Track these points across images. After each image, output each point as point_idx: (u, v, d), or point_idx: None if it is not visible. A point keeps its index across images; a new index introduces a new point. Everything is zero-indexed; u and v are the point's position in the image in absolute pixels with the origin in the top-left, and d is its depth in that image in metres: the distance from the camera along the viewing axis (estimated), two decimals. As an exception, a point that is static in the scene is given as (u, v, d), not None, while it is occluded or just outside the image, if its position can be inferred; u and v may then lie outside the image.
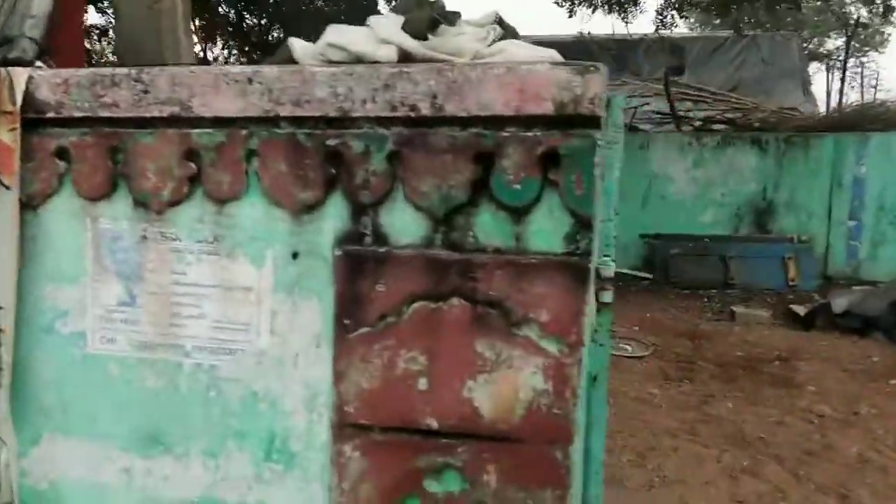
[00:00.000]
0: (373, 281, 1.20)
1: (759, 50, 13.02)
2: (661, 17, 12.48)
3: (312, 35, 1.34)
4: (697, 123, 11.03)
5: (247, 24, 12.92)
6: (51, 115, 1.30)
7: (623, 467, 4.11)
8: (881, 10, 11.95)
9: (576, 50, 12.73)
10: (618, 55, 12.87)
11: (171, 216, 1.26)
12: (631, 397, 5.11)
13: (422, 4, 1.24)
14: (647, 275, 9.51)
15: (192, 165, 1.23)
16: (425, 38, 1.22)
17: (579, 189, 1.11)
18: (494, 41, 1.24)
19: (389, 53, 1.19)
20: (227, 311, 1.27)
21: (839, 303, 6.90)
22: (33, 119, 1.29)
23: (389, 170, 1.17)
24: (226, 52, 13.78)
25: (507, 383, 1.17)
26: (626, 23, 13.73)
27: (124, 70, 1.23)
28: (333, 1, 11.99)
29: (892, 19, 12.74)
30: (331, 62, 1.20)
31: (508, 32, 1.31)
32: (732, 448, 4.40)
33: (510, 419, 1.18)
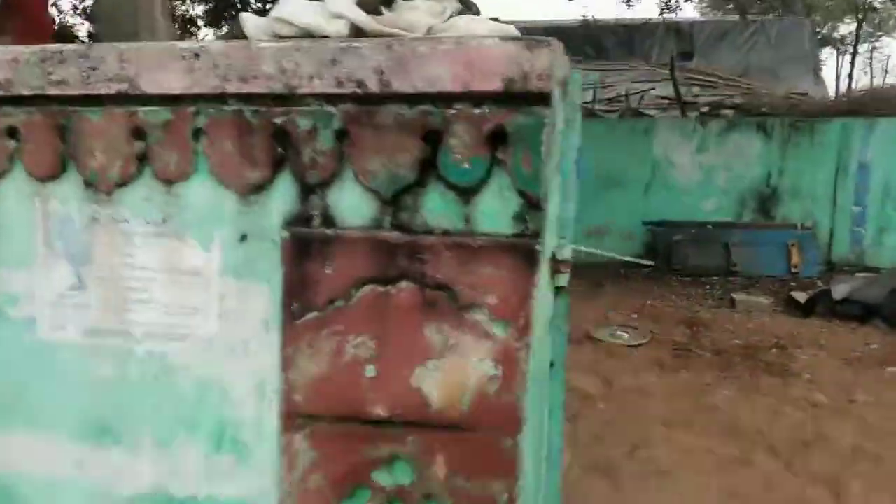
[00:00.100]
0: (321, 264, 1.17)
1: (769, 34, 12.88)
2: (665, 1, 12.35)
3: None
4: (704, 109, 10.93)
5: (252, 9, 12.84)
6: (1, 93, 1.27)
7: (615, 458, 4.08)
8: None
9: (582, 34, 12.64)
10: (626, 40, 12.76)
11: (120, 197, 1.23)
12: (626, 386, 5.08)
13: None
14: (649, 262, 9.46)
15: (141, 144, 1.20)
16: (379, 13, 1.18)
17: (527, 168, 1.07)
18: (451, 16, 1.20)
19: (340, 28, 1.15)
20: (176, 296, 1.24)
21: (839, 289, 6.85)
22: (-16, 98, 1.26)
23: (337, 149, 1.13)
24: (232, 37, 13.65)
25: (456, 370, 1.14)
26: (630, 5, 13.60)
27: (72, 46, 1.20)
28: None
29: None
30: (280, 37, 1.16)
31: (469, 8, 1.27)
32: (727, 438, 4.37)
33: (459, 407, 1.15)
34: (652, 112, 10.92)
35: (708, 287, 8.52)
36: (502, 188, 1.09)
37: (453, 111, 1.08)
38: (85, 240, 1.26)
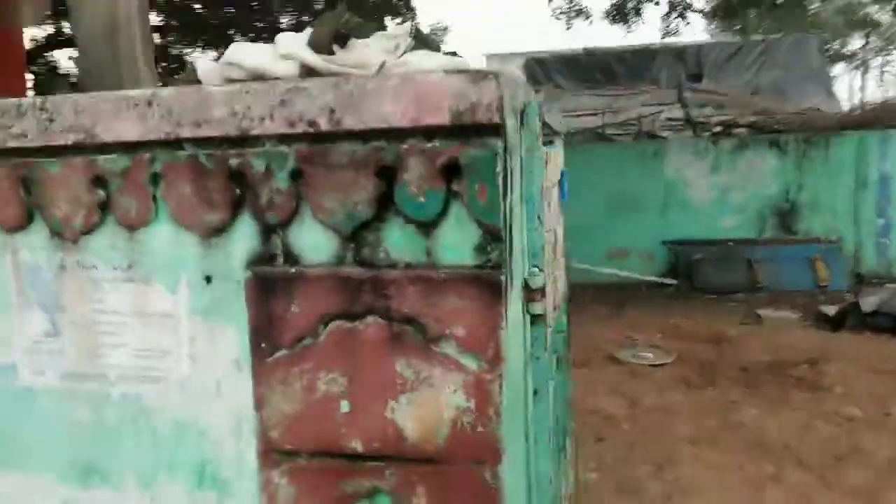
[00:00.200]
0: (286, 302, 1.16)
1: (778, 53, 12.81)
2: (666, 25, 12.40)
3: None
4: (717, 129, 10.88)
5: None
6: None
7: (640, 478, 4.00)
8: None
9: (589, 62, 12.68)
10: (634, 65, 12.79)
11: (86, 244, 1.24)
12: (650, 406, 4.98)
13: (326, 20, 1.20)
14: (671, 281, 9.36)
15: (101, 192, 1.21)
16: (331, 52, 1.18)
17: (483, 199, 1.06)
18: (405, 52, 1.20)
19: (289, 69, 1.15)
20: (147, 339, 1.24)
21: (869, 302, 6.69)
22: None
23: (293, 188, 1.13)
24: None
25: (429, 403, 1.13)
26: (629, 31, 13.63)
27: (29, 99, 1.22)
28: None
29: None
30: (231, 81, 1.17)
31: (426, 44, 1.27)
32: (756, 455, 4.26)
33: (435, 440, 1.14)
34: (665, 134, 10.90)
35: (732, 304, 8.36)
36: (460, 220, 1.08)
37: (405, 146, 1.08)
38: (55, 287, 1.27)
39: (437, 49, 1.28)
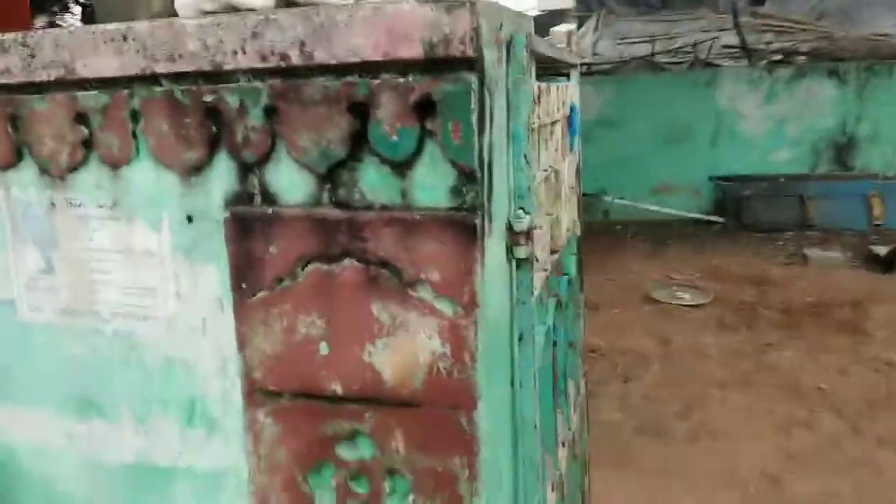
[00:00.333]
0: (265, 243, 1.15)
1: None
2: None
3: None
4: (777, 57, 10.37)
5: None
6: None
7: (664, 419, 4.00)
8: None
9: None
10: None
11: (73, 182, 1.24)
12: (682, 347, 4.94)
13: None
14: (717, 219, 9.13)
15: (84, 129, 1.20)
16: (310, -20, 1.13)
17: (457, 139, 1.02)
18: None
19: (265, 0, 1.11)
20: (135, 277, 1.25)
21: (923, 241, 6.44)
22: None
23: (268, 125, 1.10)
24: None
25: (405, 347, 1.12)
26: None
27: (12, 35, 1.21)
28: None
29: None
30: (205, 13, 1.13)
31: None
32: (787, 399, 4.21)
33: (411, 384, 1.13)
34: (723, 62, 10.45)
35: (780, 243, 8.15)
36: (435, 160, 1.04)
37: (378, 81, 1.03)
38: (47, 225, 1.28)
39: None
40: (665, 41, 11.30)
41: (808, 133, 9.33)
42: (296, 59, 1.05)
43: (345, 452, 1.19)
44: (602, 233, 8.84)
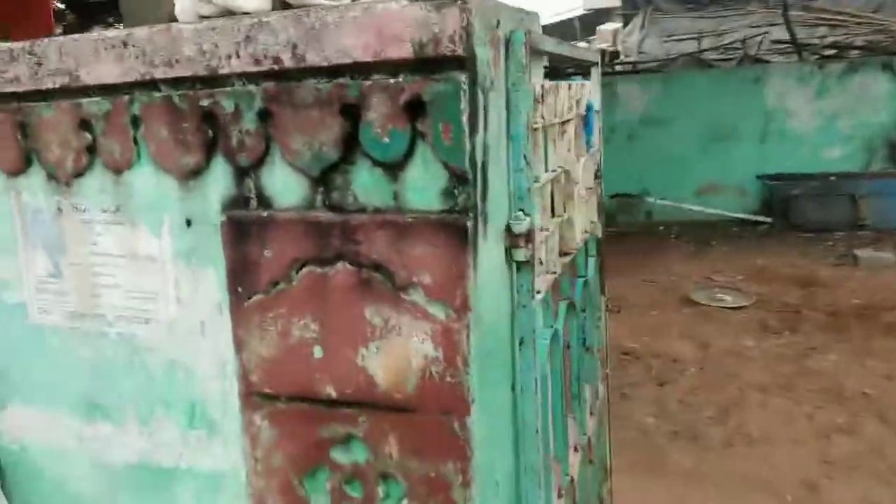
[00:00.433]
0: (260, 246, 1.15)
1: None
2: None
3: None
4: (830, 52, 10.06)
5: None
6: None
7: (700, 424, 3.91)
8: None
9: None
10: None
11: (78, 187, 1.26)
12: (721, 350, 4.82)
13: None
14: (765, 219, 8.90)
15: (88, 135, 1.22)
16: (305, -17, 1.13)
17: (448, 140, 1.00)
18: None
19: (261, 3, 1.12)
20: (137, 281, 1.26)
21: (978, 243, 6.18)
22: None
23: (262, 129, 1.10)
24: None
25: (398, 351, 1.11)
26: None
27: (20, 44, 1.23)
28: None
29: None
30: (203, 17, 1.14)
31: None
32: (829, 404, 4.07)
33: (405, 388, 1.11)
34: (775, 58, 10.19)
35: (830, 244, 7.90)
36: (427, 162, 1.03)
37: (369, 83, 1.02)
38: (55, 229, 1.31)
39: None
40: (713, 38, 11.08)
41: (861, 129, 8.99)
42: (288, 61, 1.05)
43: (339, 456, 1.18)
44: (644, 234, 8.71)
